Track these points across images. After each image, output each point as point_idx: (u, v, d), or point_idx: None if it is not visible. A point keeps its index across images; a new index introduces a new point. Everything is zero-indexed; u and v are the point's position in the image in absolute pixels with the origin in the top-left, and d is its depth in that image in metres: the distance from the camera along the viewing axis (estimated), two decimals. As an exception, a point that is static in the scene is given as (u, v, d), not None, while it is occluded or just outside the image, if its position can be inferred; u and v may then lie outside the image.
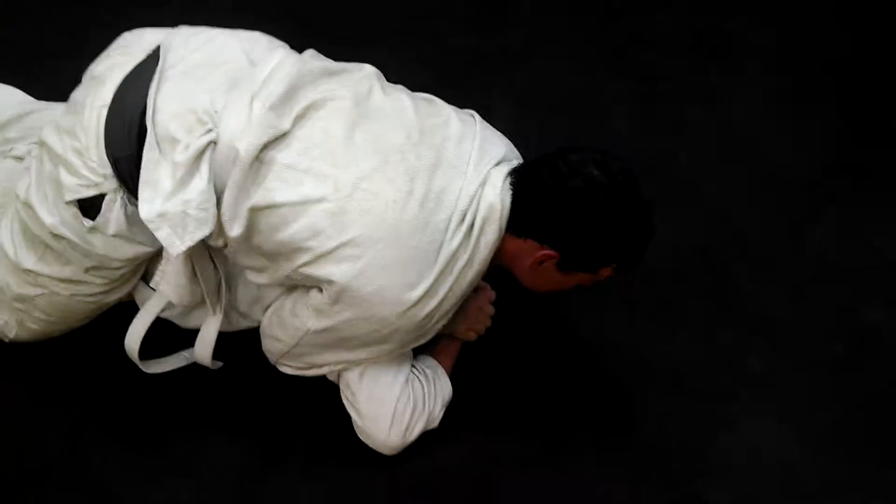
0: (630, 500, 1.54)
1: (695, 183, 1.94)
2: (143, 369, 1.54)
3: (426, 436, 1.54)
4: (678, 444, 1.61)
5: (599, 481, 1.56)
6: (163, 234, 1.31)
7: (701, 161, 1.98)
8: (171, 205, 1.29)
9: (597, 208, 1.33)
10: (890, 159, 1.98)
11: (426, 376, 1.53)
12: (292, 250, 1.32)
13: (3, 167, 1.59)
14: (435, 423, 1.54)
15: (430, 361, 1.57)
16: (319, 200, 1.30)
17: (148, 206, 1.30)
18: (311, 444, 1.57)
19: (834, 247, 1.85)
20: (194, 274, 1.44)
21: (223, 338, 1.53)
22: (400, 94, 1.41)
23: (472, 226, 1.34)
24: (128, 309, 1.54)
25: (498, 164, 1.39)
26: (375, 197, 1.31)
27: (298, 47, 1.45)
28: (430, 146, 1.35)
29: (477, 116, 1.47)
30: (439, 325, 1.42)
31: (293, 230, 1.31)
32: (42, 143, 1.39)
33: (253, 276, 1.42)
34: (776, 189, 1.94)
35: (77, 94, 1.40)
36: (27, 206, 1.41)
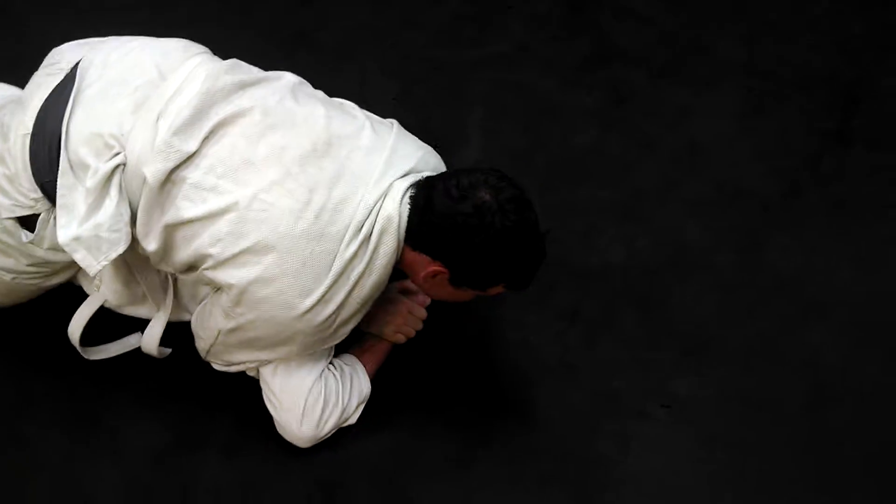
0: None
1: (652, 195, 1.94)
2: (84, 356, 1.65)
3: (345, 431, 1.61)
4: (594, 453, 1.61)
5: (512, 483, 1.58)
6: (79, 257, 1.38)
7: (664, 174, 1.97)
8: (84, 229, 1.37)
9: (483, 234, 1.36)
10: (849, 180, 1.94)
11: (342, 372, 1.58)
12: (198, 256, 1.39)
13: None
14: (352, 420, 1.60)
15: (350, 359, 1.62)
16: (223, 212, 1.36)
17: (64, 231, 1.37)
18: (234, 431, 1.64)
19: (783, 266, 1.82)
20: (132, 277, 1.54)
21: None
22: (315, 103, 1.45)
23: (369, 236, 1.38)
24: (74, 292, 1.65)
25: (404, 175, 1.43)
26: (272, 207, 1.36)
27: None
28: (334, 158, 1.39)
29: (396, 126, 1.52)
30: (345, 329, 1.47)
31: (200, 240, 1.38)
32: None
33: (180, 277, 1.52)
34: (731, 205, 1.92)
35: (4, 118, 1.45)
36: None
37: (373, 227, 1.39)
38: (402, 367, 1.70)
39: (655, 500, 1.56)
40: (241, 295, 1.40)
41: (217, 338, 1.49)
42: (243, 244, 1.37)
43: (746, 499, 1.56)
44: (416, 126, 2.02)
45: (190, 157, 1.37)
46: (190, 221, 1.38)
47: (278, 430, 1.57)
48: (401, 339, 1.66)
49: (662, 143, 2.05)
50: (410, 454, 1.62)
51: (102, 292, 1.57)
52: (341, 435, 1.61)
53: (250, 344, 1.48)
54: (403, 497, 1.58)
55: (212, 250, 1.38)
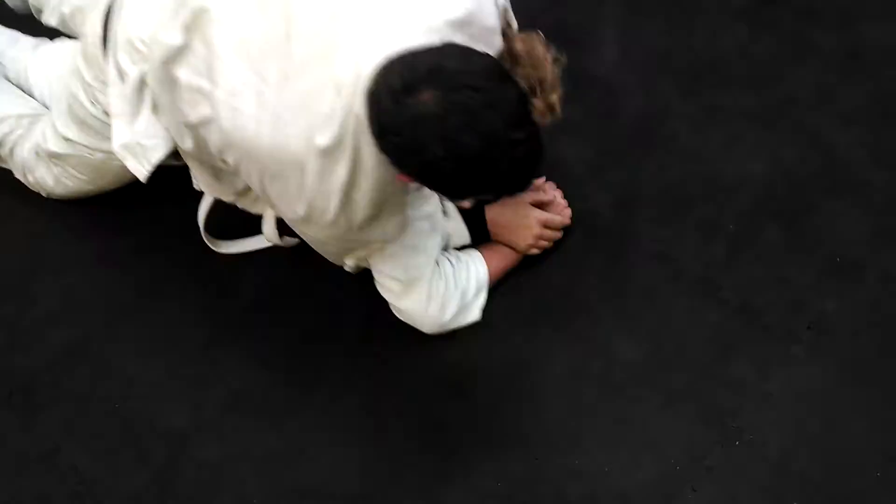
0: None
1: (802, 103, 1.80)
2: (214, 248, 1.67)
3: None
4: (729, 375, 1.57)
5: (634, 401, 1.55)
6: (130, 164, 1.40)
7: (818, 82, 1.82)
8: (129, 136, 1.37)
9: (419, 158, 1.13)
10: None
11: (458, 259, 1.54)
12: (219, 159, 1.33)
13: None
14: (474, 314, 1.55)
15: (469, 250, 1.57)
16: (208, 121, 1.26)
17: (115, 138, 1.38)
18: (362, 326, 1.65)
19: None
20: (218, 173, 1.44)
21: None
22: None
23: (343, 139, 1.18)
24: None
25: (385, 55, 1.14)
26: (238, 115, 1.22)
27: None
28: (306, 38, 1.18)
29: None
30: (384, 224, 1.33)
31: (214, 147, 1.30)
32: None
33: None
34: (892, 121, 1.77)
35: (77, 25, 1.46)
36: (73, 94, 1.49)
37: (347, 128, 1.17)
38: (528, 275, 1.66)
39: (787, 426, 1.50)
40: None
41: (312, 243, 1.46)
42: (235, 155, 1.27)
43: (887, 430, 1.49)
44: (547, 20, 1.94)
45: (180, 53, 1.25)
46: (195, 125, 1.29)
47: (402, 317, 1.54)
48: (535, 251, 1.61)
49: (819, 47, 1.89)
50: (534, 365, 1.60)
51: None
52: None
53: (323, 246, 1.45)
54: (530, 401, 1.57)
55: (220, 156, 1.30)
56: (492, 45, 1.22)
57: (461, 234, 1.62)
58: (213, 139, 1.28)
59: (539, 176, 1.29)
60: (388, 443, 1.55)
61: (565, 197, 1.70)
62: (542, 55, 1.34)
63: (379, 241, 1.40)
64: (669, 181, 1.76)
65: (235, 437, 1.57)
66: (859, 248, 1.64)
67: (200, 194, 1.60)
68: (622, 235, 1.70)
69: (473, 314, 1.56)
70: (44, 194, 1.74)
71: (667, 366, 1.56)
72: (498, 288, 1.65)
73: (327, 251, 1.50)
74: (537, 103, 1.33)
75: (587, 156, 1.81)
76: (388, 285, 1.51)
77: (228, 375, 1.62)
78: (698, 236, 1.69)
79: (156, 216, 1.76)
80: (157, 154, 1.38)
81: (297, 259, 1.70)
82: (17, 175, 1.74)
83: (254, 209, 1.58)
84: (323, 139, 1.18)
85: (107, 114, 1.45)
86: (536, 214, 1.62)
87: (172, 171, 1.51)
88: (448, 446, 1.54)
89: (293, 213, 1.30)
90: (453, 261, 1.55)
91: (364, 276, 1.59)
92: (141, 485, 1.54)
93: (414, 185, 1.27)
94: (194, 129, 1.31)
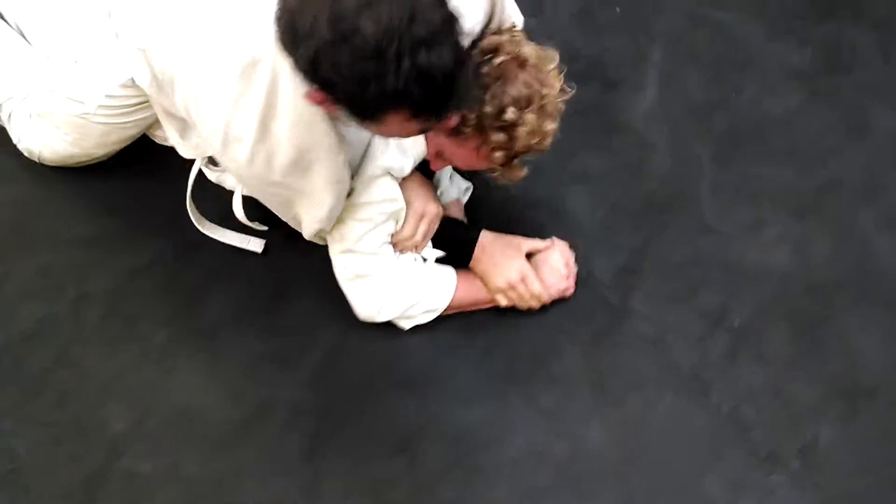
0: None
1: (846, 192, 1.63)
2: (197, 224, 1.61)
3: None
4: (698, 493, 1.43)
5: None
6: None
7: (869, 169, 1.65)
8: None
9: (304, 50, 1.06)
10: None
11: (429, 275, 1.50)
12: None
13: None
14: (408, 325, 1.53)
15: (450, 271, 1.52)
16: (150, 44, 1.31)
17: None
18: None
19: None
20: (184, 129, 1.47)
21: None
22: None
23: (256, 65, 1.20)
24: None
25: None
26: (173, 37, 1.28)
27: None
28: None
29: None
30: (303, 176, 1.30)
31: (161, 75, 1.34)
32: None
33: None
34: None
35: None
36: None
37: (263, 48, 1.17)
38: (508, 335, 1.55)
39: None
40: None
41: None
42: (170, 86, 1.33)
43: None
44: (588, 56, 1.80)
45: None
46: (143, 50, 1.34)
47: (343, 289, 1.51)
48: (501, 302, 1.52)
49: (878, 130, 1.71)
50: (496, 435, 1.49)
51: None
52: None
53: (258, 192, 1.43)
54: (481, 473, 1.47)
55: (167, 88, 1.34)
56: None
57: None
58: (157, 64, 1.30)
59: (462, 107, 1.17)
60: (323, 490, 1.46)
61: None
62: (552, 75, 1.28)
63: (317, 200, 1.34)
64: (681, 257, 1.62)
65: (172, 454, 1.50)
66: (874, 374, 1.49)
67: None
68: (618, 309, 1.57)
69: (406, 325, 1.53)
70: (36, 160, 1.70)
71: (633, 465, 1.44)
72: (473, 344, 1.54)
73: (271, 203, 1.43)
74: (528, 117, 1.24)
75: (600, 212, 1.68)
76: (339, 265, 1.47)
77: (179, 388, 1.55)
78: (700, 326, 1.55)
79: (147, 202, 1.70)
80: (119, 76, 1.42)
81: (271, 279, 1.62)
82: (14, 142, 1.70)
83: (228, 184, 1.55)
84: (239, 58, 1.18)
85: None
86: (522, 264, 1.50)
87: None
88: (387, 501, 1.45)
89: (214, 142, 1.28)
90: (423, 276, 1.48)
91: (332, 306, 1.51)
92: (71, 484, 1.48)
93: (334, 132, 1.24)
94: (144, 54, 1.33)
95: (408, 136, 1.19)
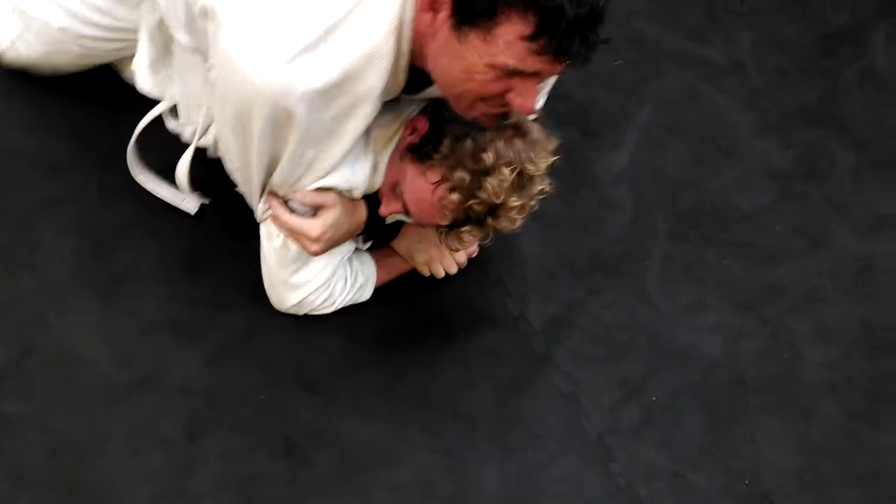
0: None
1: (790, 298, 1.63)
2: (133, 173, 1.53)
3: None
4: None
5: None
6: None
7: (816, 283, 1.65)
8: None
9: None
10: None
11: (355, 281, 1.47)
12: None
13: None
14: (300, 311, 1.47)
15: (369, 267, 1.49)
16: None
17: None
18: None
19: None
20: (162, 63, 1.40)
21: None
22: None
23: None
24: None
25: None
26: None
27: None
28: None
29: None
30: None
31: None
32: None
33: None
34: (875, 358, 1.59)
35: None
36: None
37: None
38: (421, 362, 1.50)
39: None
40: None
41: None
42: None
43: None
44: (576, 100, 1.77)
45: None
46: None
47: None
48: (425, 271, 1.51)
49: (834, 246, 1.71)
50: (387, 463, 1.43)
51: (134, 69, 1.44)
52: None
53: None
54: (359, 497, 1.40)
55: None
56: None
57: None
58: None
59: (579, 60, 1.09)
60: (193, 478, 1.38)
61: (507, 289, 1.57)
62: (543, 160, 1.23)
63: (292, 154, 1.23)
64: (614, 321, 1.59)
65: (44, 400, 1.40)
66: (776, 481, 1.46)
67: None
68: (540, 358, 1.53)
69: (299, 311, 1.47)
70: None
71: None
72: (387, 361, 1.49)
73: (230, 156, 1.31)
74: (503, 171, 1.22)
75: (547, 257, 1.64)
76: (268, 248, 1.39)
77: (68, 333, 1.45)
78: (617, 394, 1.52)
79: (90, 129, 1.61)
80: None
81: (197, 238, 1.54)
82: None
83: (185, 136, 1.46)
84: None
85: None
86: (437, 243, 1.48)
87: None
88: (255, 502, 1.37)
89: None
90: (350, 280, 1.45)
91: (251, 287, 1.45)
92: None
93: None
94: None
95: (502, 67, 1.08)
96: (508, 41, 1.05)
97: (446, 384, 1.49)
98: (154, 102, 1.47)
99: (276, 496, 1.37)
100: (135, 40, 1.46)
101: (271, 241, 1.38)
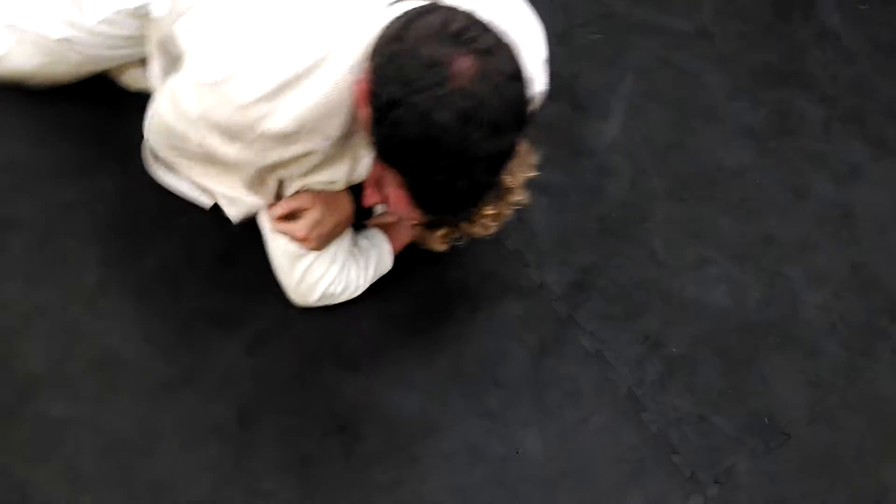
0: None
1: (782, 247, 1.74)
2: (150, 170, 1.53)
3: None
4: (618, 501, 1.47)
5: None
6: None
7: (803, 230, 1.77)
8: None
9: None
10: None
11: (367, 262, 1.48)
12: None
13: None
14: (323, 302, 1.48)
15: (378, 239, 1.49)
16: None
17: None
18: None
19: (889, 388, 1.63)
20: (172, 68, 1.37)
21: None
22: None
23: None
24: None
25: None
26: None
27: None
28: None
29: None
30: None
31: None
32: None
33: None
34: (863, 294, 1.72)
35: None
36: None
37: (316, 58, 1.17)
38: (456, 334, 1.55)
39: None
40: None
41: None
42: None
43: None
44: (562, 76, 1.84)
45: None
46: None
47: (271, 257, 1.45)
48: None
49: (815, 195, 1.84)
50: (435, 429, 1.49)
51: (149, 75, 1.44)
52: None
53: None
54: (415, 465, 1.46)
55: None
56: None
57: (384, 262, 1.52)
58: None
59: (448, 220, 1.21)
60: (251, 461, 1.41)
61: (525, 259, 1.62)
62: (521, 173, 1.28)
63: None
64: (629, 281, 1.67)
65: (91, 402, 1.40)
66: (790, 414, 1.58)
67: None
68: (565, 321, 1.61)
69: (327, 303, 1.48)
70: None
71: (564, 474, 1.47)
72: (422, 336, 1.54)
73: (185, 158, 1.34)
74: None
75: (558, 227, 1.71)
76: (274, 249, 1.41)
77: (107, 335, 1.46)
78: (640, 348, 1.61)
79: (97, 135, 1.60)
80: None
81: (220, 237, 1.56)
82: None
83: None
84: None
85: None
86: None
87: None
88: (313, 485, 1.41)
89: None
90: (361, 265, 1.46)
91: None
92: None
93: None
94: None
95: (388, 200, 1.17)
96: (393, 188, 1.14)
97: (480, 353, 1.55)
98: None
99: (335, 472, 1.41)
100: (138, 47, 1.47)
101: (276, 242, 1.41)
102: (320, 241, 1.38)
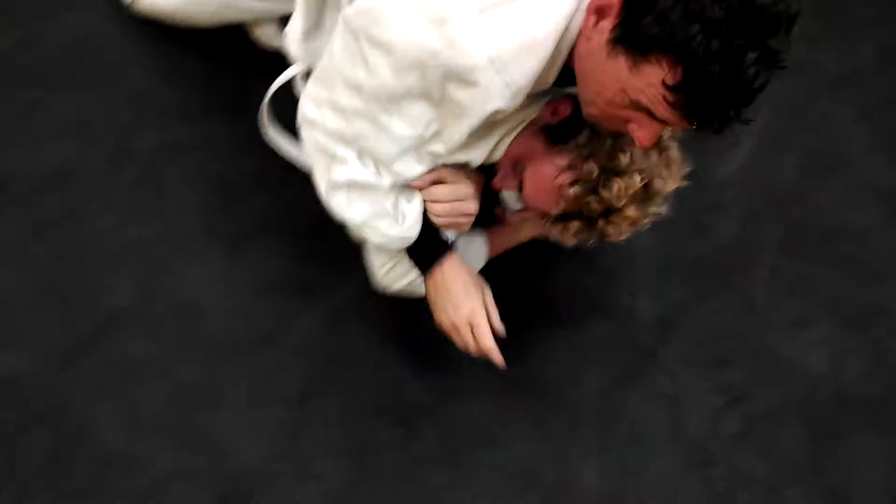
0: None
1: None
2: (264, 130, 1.50)
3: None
4: None
5: None
6: None
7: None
8: None
9: None
10: None
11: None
12: None
13: None
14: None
15: (474, 237, 1.41)
16: None
17: None
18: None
19: None
20: (313, 30, 1.35)
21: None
22: None
23: None
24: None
25: None
26: None
27: None
28: None
29: None
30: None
31: None
32: None
33: None
34: None
35: None
36: None
37: None
38: (534, 345, 1.51)
39: None
40: None
41: None
42: None
43: None
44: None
45: None
46: None
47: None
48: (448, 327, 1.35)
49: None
50: (490, 447, 1.45)
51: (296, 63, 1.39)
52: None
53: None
54: (464, 486, 1.43)
55: None
56: None
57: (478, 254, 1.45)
58: None
59: (714, 127, 1.05)
60: (305, 439, 1.41)
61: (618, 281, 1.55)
62: (674, 179, 1.21)
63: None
64: (719, 329, 1.60)
65: (167, 346, 1.43)
66: (869, 501, 1.48)
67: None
68: (647, 355, 1.54)
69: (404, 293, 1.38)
70: (128, 3, 1.60)
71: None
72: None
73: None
74: (634, 177, 1.19)
75: (657, 255, 1.64)
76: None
77: (194, 283, 1.48)
78: (719, 400, 1.53)
79: (220, 84, 1.61)
80: None
81: (317, 203, 1.55)
82: None
83: None
84: None
85: None
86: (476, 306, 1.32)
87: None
88: (364, 474, 1.40)
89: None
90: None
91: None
92: (52, 345, 1.40)
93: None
94: None
95: (633, 99, 1.06)
96: (650, 81, 1.03)
97: (555, 371, 1.51)
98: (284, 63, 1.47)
99: (388, 465, 1.40)
100: (279, 2, 1.46)
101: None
102: (452, 217, 1.31)
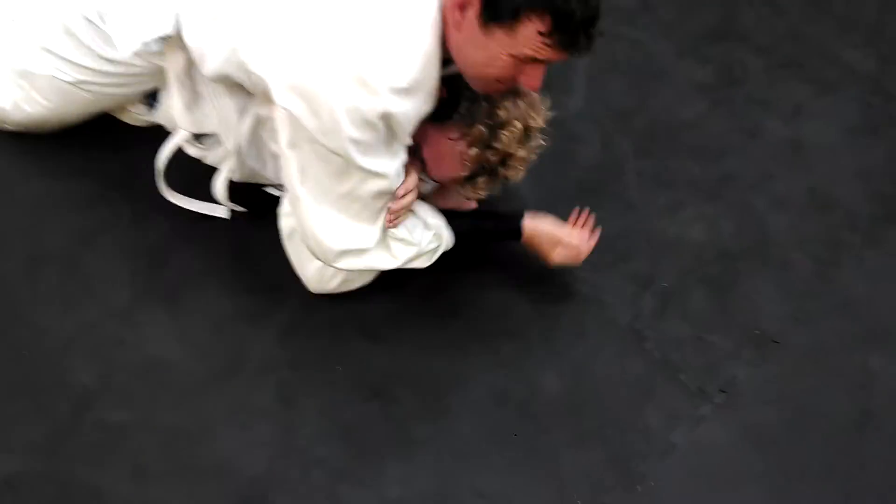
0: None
1: (743, 182, 1.92)
2: (165, 195, 1.65)
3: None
4: (640, 422, 1.62)
5: (547, 432, 1.59)
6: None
7: (760, 164, 1.95)
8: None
9: None
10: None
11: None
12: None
13: None
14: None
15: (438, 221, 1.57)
16: None
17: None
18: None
19: (855, 286, 1.80)
20: (195, 100, 1.50)
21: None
22: None
23: None
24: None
25: None
26: None
27: None
28: None
29: None
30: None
31: None
32: None
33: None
34: (820, 213, 1.90)
35: None
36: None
37: None
38: (464, 296, 1.69)
39: (687, 479, 1.56)
40: None
41: None
42: None
43: (777, 496, 1.57)
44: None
45: None
46: None
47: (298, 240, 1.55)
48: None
49: (766, 134, 2.02)
50: (458, 383, 1.62)
51: (167, 114, 1.56)
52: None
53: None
54: (447, 417, 1.59)
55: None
56: None
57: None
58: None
59: (582, 52, 1.30)
60: (299, 436, 1.53)
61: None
62: (542, 114, 1.49)
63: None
64: (611, 232, 1.82)
65: (144, 404, 1.52)
66: (776, 324, 1.74)
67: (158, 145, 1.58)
68: (560, 273, 1.75)
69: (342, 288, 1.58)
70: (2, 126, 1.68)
71: (584, 402, 1.61)
72: (434, 306, 1.67)
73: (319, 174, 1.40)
74: (516, 125, 1.40)
75: (540, 191, 1.86)
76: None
77: (147, 343, 1.57)
78: (632, 287, 1.76)
79: (105, 168, 1.72)
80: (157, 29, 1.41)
81: (235, 239, 1.69)
82: None
83: (209, 160, 1.59)
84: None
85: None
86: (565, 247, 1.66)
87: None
88: (359, 447, 1.53)
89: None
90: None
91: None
92: (34, 437, 1.47)
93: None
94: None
95: (520, 56, 1.27)
96: (528, 36, 1.26)
97: (490, 310, 1.69)
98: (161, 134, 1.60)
99: (377, 433, 1.54)
100: (141, 85, 1.59)
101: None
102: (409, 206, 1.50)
